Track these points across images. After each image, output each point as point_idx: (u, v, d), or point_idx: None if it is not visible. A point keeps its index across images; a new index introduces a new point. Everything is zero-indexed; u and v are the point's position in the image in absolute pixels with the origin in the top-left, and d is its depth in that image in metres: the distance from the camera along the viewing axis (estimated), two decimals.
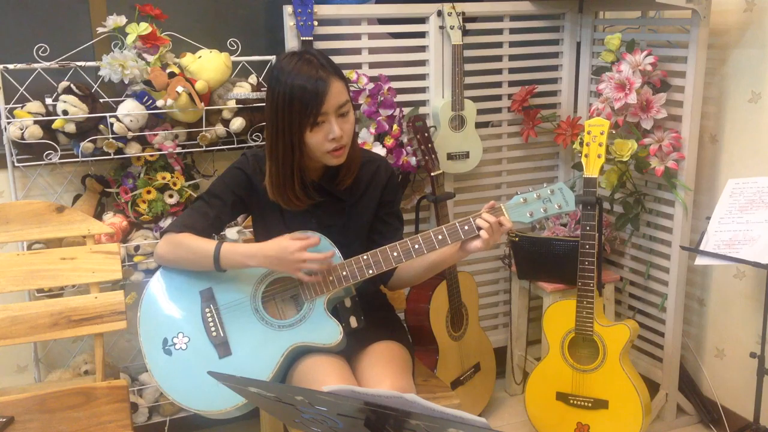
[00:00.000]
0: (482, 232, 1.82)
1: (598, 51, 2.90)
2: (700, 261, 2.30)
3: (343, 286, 1.87)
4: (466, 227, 1.84)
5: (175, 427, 2.66)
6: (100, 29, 2.41)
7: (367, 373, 1.90)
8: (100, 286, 2.17)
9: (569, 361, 2.57)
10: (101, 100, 2.41)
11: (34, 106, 2.35)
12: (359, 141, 2.58)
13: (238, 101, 2.49)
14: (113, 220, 2.44)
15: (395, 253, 1.86)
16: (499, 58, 2.95)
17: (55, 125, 2.31)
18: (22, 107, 2.33)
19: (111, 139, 2.35)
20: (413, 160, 2.69)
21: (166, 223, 2.48)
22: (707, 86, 2.65)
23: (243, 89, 2.52)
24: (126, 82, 2.39)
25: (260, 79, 2.60)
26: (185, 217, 1.98)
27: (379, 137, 2.65)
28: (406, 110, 2.78)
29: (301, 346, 1.87)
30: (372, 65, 2.74)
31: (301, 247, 1.81)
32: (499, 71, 2.96)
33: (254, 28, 2.91)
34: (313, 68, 1.81)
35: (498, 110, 3.00)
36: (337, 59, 1.89)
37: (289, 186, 1.91)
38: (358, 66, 2.71)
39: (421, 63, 2.82)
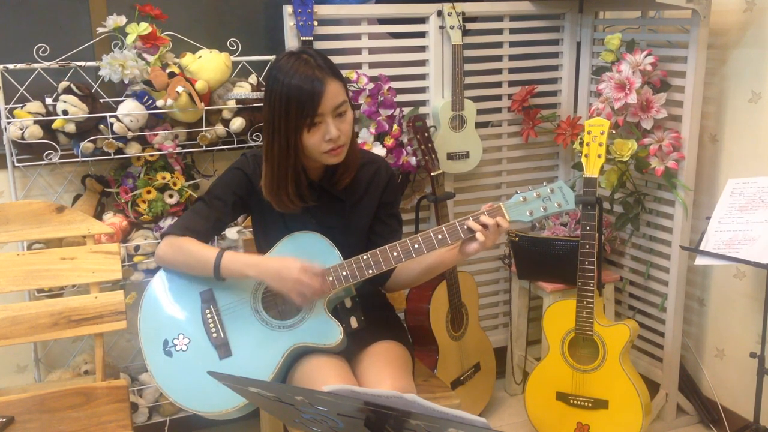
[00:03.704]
0: (478, 234, 1.82)
1: (598, 51, 2.90)
2: (700, 261, 2.29)
3: (343, 287, 1.87)
4: (466, 226, 1.84)
5: (175, 427, 2.66)
6: (100, 29, 2.41)
7: (367, 374, 1.90)
8: (100, 286, 2.17)
9: (569, 361, 2.57)
10: (101, 100, 2.41)
11: (34, 106, 2.35)
12: (359, 141, 2.58)
13: (238, 101, 2.49)
14: (113, 220, 2.44)
15: (395, 253, 1.85)
16: (499, 58, 2.95)
17: (55, 125, 2.31)
18: (22, 107, 2.33)
19: (111, 139, 2.35)
20: (413, 160, 2.69)
21: (166, 223, 2.48)
22: (707, 86, 2.65)
23: (243, 89, 2.52)
24: (126, 82, 2.39)
25: (260, 79, 2.60)
26: (187, 220, 1.97)
27: (379, 137, 2.65)
28: (406, 110, 2.78)
29: (301, 347, 1.86)
30: (372, 65, 2.74)
31: (303, 269, 1.80)
32: (499, 71, 2.96)
33: (254, 28, 2.91)
34: (309, 68, 1.80)
35: (498, 110, 3.00)
36: (337, 59, 1.88)
37: (283, 188, 1.90)
38: (358, 66, 2.71)
39: (421, 63, 2.82)
